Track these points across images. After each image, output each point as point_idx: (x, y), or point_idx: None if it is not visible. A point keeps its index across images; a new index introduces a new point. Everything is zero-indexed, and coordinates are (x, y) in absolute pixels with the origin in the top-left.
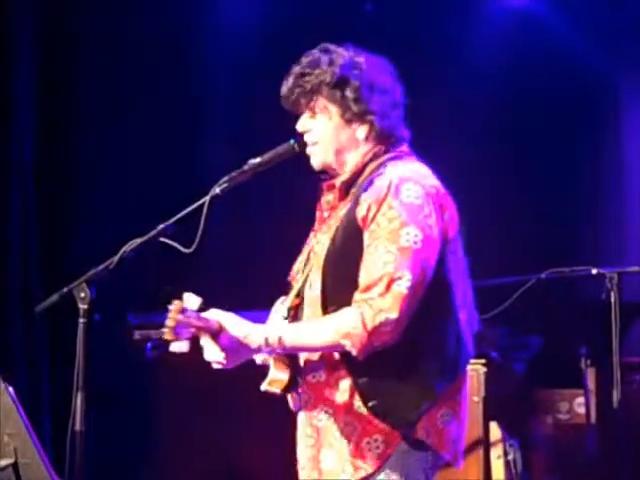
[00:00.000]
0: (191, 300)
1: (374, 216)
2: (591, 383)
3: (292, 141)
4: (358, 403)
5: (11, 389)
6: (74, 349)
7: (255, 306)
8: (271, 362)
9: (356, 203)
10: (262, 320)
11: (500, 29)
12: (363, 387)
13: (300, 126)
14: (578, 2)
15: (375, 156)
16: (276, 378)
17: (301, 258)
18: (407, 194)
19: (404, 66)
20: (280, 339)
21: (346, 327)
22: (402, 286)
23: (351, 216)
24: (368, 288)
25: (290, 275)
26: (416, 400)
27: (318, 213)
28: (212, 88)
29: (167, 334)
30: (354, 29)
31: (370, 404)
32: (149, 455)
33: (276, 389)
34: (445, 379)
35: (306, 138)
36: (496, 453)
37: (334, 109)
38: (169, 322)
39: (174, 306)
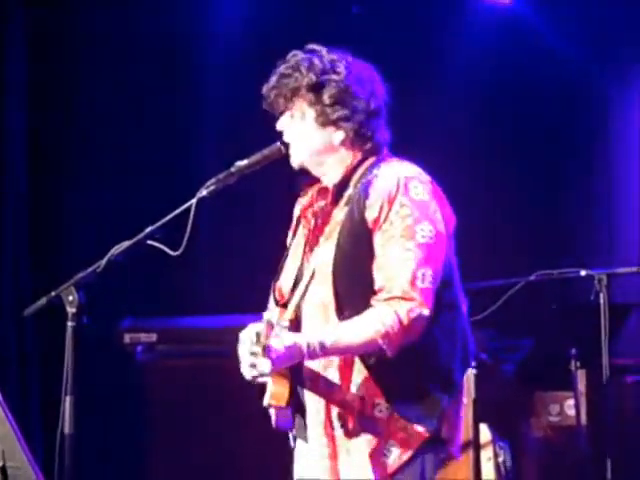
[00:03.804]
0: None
1: (387, 215)
2: (581, 385)
3: (279, 143)
4: (379, 406)
5: None
6: (64, 352)
7: (242, 309)
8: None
9: (361, 206)
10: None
11: (486, 29)
12: (386, 388)
13: (279, 125)
14: (566, 1)
15: (363, 159)
16: (277, 391)
17: (289, 271)
18: (415, 192)
19: (391, 67)
20: (321, 343)
21: (384, 326)
22: (426, 282)
23: (357, 219)
24: (392, 287)
25: (276, 289)
26: (439, 396)
27: (304, 221)
28: (202, 91)
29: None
30: (343, 30)
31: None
32: (139, 459)
33: (280, 403)
34: (461, 371)
35: (284, 137)
36: (486, 455)
37: (310, 112)
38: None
39: (264, 326)
